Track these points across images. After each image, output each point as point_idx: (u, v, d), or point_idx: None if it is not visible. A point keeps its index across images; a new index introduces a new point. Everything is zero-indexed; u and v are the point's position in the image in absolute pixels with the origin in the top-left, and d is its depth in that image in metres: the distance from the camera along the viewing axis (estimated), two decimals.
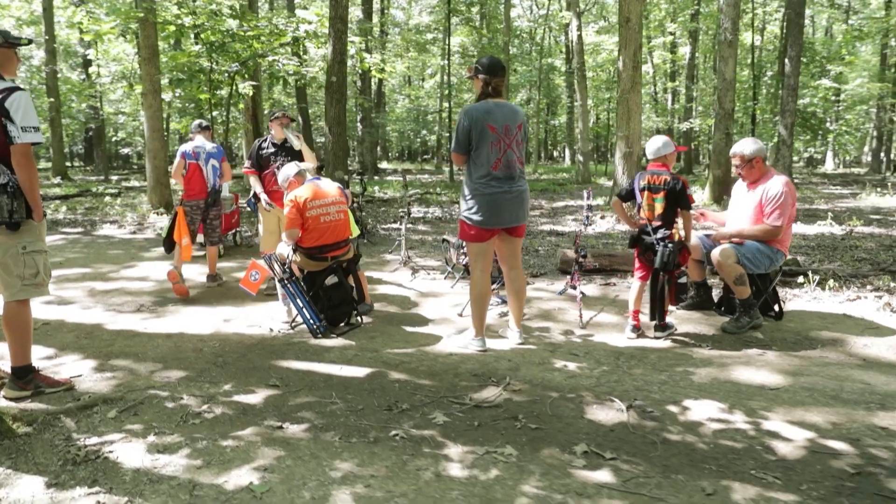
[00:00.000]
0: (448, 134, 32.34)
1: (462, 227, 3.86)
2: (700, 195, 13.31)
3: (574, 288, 5.32)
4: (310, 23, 9.89)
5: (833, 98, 24.98)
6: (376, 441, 2.72)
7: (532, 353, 3.91)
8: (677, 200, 4.11)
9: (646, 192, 4.12)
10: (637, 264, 4.27)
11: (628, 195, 4.25)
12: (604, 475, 2.45)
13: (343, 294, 4.28)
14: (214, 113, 12.30)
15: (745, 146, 4.41)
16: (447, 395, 3.23)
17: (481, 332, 3.94)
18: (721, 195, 12.65)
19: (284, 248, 4.23)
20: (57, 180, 18.27)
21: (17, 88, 2.97)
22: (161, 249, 7.75)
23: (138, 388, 3.27)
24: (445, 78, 27.00)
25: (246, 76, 10.33)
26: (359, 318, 4.46)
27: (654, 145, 4.20)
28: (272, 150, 5.29)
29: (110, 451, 2.56)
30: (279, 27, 10.15)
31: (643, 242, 4.15)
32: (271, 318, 4.63)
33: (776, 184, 4.30)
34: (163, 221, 10.01)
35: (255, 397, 3.18)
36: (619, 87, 12.14)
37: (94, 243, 8.29)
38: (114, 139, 26.49)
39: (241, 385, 3.34)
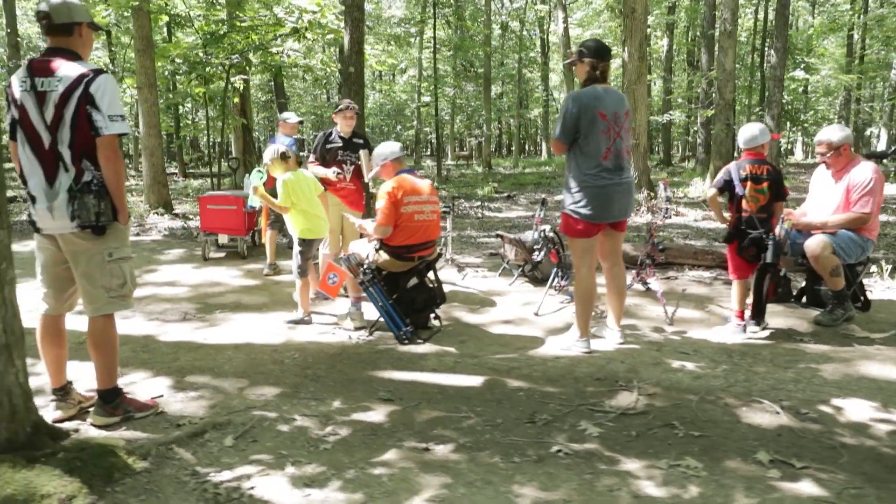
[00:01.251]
0: (427, 129, 32.00)
1: (567, 221, 3.60)
2: (701, 186, 13.40)
3: (644, 283, 5.14)
4: (312, 12, 9.44)
5: (801, 90, 25.67)
6: (541, 459, 2.44)
7: (639, 352, 3.69)
8: (778, 191, 3.94)
9: (748, 183, 3.93)
10: (735, 261, 4.05)
11: (725, 187, 4.05)
12: (809, 487, 2.24)
13: (426, 296, 3.96)
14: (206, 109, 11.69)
15: (831, 133, 4.27)
16: (581, 402, 2.98)
17: (586, 334, 3.70)
18: None
19: (363, 247, 3.89)
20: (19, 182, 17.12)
21: (102, 71, 2.56)
22: (178, 251, 7.28)
23: (237, 408, 2.90)
24: (424, 72, 26.64)
25: (248, 68, 9.79)
26: (438, 321, 4.15)
27: (750, 133, 4.01)
28: (339, 144, 4.88)
29: (251, 488, 2.21)
30: (278, 17, 9.65)
31: (745, 237, 3.93)
32: (337, 323, 4.27)
33: (864, 170, 4.18)
34: (164, 222, 9.41)
35: (375, 414, 2.86)
36: (623, 79, 12.06)
37: None
38: None
39: (350, 400, 3.00)
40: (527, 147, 46.73)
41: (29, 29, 21.11)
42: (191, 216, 9.73)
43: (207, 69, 9.66)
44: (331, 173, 4.77)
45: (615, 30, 28.64)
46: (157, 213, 9.69)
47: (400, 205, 3.74)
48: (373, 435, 2.65)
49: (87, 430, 2.66)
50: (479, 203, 12.48)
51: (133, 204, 11.93)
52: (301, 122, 6.34)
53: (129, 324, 4.32)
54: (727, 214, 4.13)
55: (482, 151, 24.00)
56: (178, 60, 9.89)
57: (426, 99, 31.40)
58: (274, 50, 9.14)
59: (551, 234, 4.78)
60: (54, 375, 2.77)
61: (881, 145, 25.91)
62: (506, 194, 14.17)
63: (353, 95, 7.37)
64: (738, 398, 3.01)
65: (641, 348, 3.77)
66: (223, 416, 2.81)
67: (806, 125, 26.53)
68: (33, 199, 2.58)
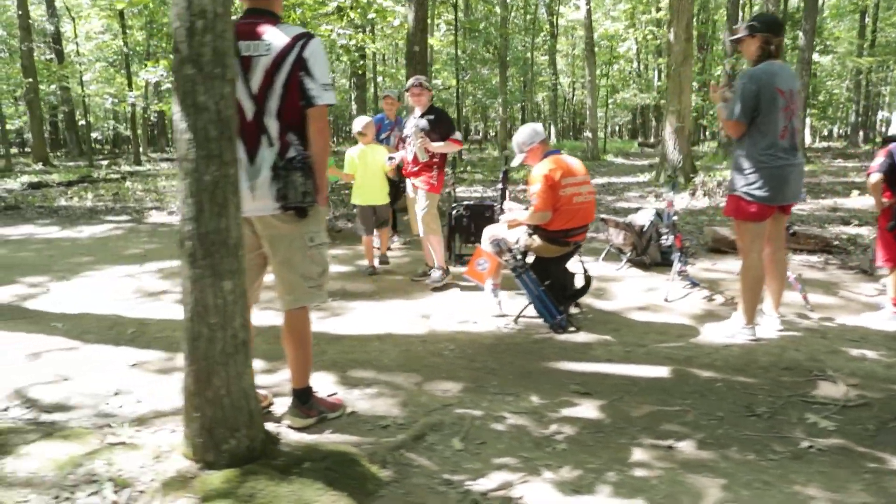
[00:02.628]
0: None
1: (738, 204, 3.41)
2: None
3: None
4: None
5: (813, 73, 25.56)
6: (798, 457, 2.28)
7: (805, 340, 3.53)
8: None
9: None
10: (890, 251, 3.86)
11: (890, 171, 3.86)
12: None
13: (572, 281, 3.78)
14: None
15: None
16: (790, 394, 2.82)
17: (752, 321, 3.54)
18: None
19: (513, 232, 3.69)
20: (39, 167, 16.69)
21: (312, 35, 2.32)
22: (245, 234, 7.00)
23: (432, 406, 2.70)
24: (437, 55, 26.15)
25: None
26: (578, 308, 3.98)
27: None
28: (426, 125, 4.66)
29: (520, 497, 2.02)
30: None
31: None
32: (473, 311, 4.08)
33: None
34: None
35: (584, 410, 2.68)
36: (669, 61, 11.85)
37: (159, 232, 7.40)
38: (80, 123, 24.49)
39: (545, 395, 2.82)
40: None
41: (34, 11, 20.46)
42: None
43: None
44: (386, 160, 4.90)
45: (630, 12, 28.36)
46: None
47: (558, 187, 3.53)
48: (600, 433, 2.48)
49: (287, 433, 2.46)
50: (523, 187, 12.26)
51: (156, 189, 11.63)
52: (398, 98, 6.03)
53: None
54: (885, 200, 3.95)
55: (497, 135, 23.69)
56: None
57: (437, 83, 31.03)
58: (322, 30, 8.79)
59: (675, 219, 4.60)
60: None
61: (892, 129, 26.01)
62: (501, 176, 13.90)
63: (418, 74, 7.12)
64: None
65: (804, 335, 3.61)
66: (422, 414, 2.62)
67: (825, 107, 26.47)
68: None
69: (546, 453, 2.30)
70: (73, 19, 20.36)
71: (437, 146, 4.55)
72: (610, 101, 32.18)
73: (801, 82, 16.32)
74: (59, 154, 22.31)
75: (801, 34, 16.23)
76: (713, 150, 20.53)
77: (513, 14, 25.07)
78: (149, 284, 4.90)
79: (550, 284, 3.64)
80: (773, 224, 3.55)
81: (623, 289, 4.69)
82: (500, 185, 5.14)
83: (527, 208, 3.71)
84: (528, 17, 26.13)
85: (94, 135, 25.86)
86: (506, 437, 2.43)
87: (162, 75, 17.53)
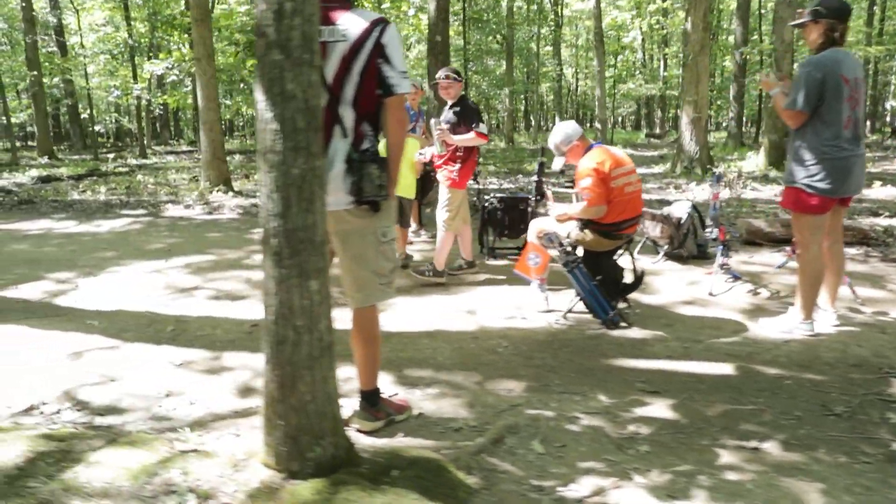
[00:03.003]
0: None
1: (798, 196, 3.31)
2: (754, 160, 13.15)
3: None
4: None
5: None
6: (893, 459, 2.20)
7: (864, 335, 3.43)
8: None
9: None
10: None
11: None
12: None
13: (622, 276, 3.69)
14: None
15: None
16: (865, 392, 2.74)
17: (810, 316, 3.44)
18: (778, 160, 12.47)
19: (563, 226, 3.59)
20: (45, 160, 16.52)
21: (389, 20, 2.21)
22: None
23: (500, 407, 2.60)
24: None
25: None
26: (627, 303, 3.88)
27: None
28: (453, 117, 4.51)
29: None
30: None
31: None
32: (517, 307, 3.98)
33: None
34: (228, 200, 8.96)
35: (657, 409, 2.58)
36: (687, 50, 11.70)
37: (178, 226, 7.29)
38: (83, 116, 24.30)
39: (614, 394, 2.72)
40: (540, 122, 46.30)
41: (36, 3, 20.19)
42: (252, 194, 9.33)
43: None
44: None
45: (636, 2, 28.07)
46: (218, 191, 9.25)
47: (609, 179, 3.43)
48: (679, 433, 2.39)
49: (357, 437, 2.36)
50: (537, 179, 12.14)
51: (172, 181, 11.49)
52: (420, 87, 5.86)
53: None
54: None
55: (503, 126, 23.52)
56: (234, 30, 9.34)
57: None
58: None
59: (717, 211, 4.50)
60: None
61: None
62: (560, 169, 13.78)
63: (440, 64, 7.00)
64: None
65: (862, 330, 3.52)
66: (492, 416, 2.53)
67: None
68: None
69: (630, 456, 2.21)
70: (77, 11, 20.12)
71: (459, 139, 4.41)
72: (615, 91, 31.96)
73: (777, 73, 16.17)
74: (62, 147, 22.10)
75: None
76: (723, 141, 20.40)
77: (518, 4, 24.80)
78: (178, 280, 4.80)
79: (602, 279, 3.54)
80: (832, 216, 3.46)
81: (665, 282, 4.60)
82: (534, 178, 5.04)
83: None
84: (534, 6, 25.85)
85: (96, 128, 25.64)
86: (584, 438, 2.34)
87: (167, 67, 17.41)
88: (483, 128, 4.43)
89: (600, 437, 2.35)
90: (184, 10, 17.42)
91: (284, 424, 1.78)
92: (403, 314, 3.92)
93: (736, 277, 4.56)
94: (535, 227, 3.76)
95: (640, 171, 4.19)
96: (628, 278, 3.82)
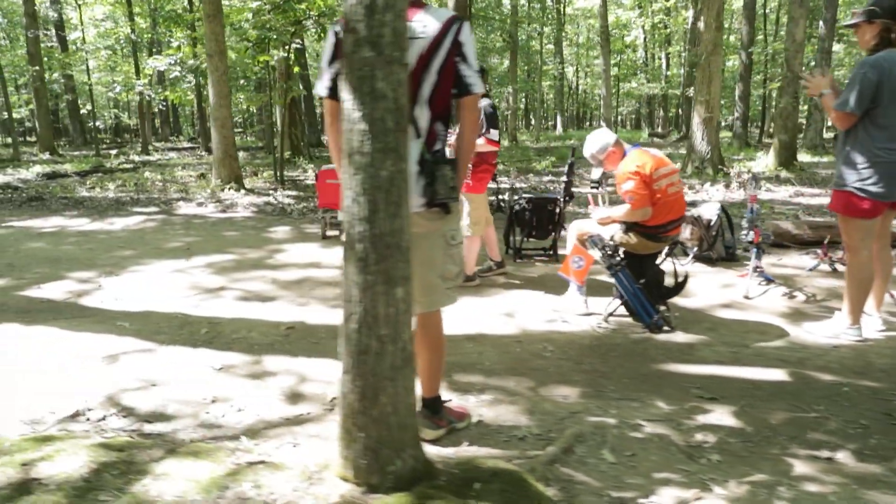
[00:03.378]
0: None
1: (849, 200, 3.25)
2: (764, 160, 13.12)
3: (832, 262, 4.86)
4: None
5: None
6: None
7: None
8: None
9: None
10: None
11: None
12: None
13: (664, 278, 3.63)
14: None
15: None
16: None
17: (858, 322, 3.40)
18: (788, 160, 12.46)
19: (606, 229, 3.53)
20: (46, 156, 16.35)
21: (464, 18, 2.14)
22: (284, 228, 6.84)
23: (558, 413, 2.55)
24: None
25: (321, 34, 9.19)
26: (666, 307, 3.83)
27: None
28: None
29: None
30: None
31: None
32: (554, 309, 3.92)
33: None
34: (240, 198, 8.85)
35: (718, 417, 2.53)
36: (699, 50, 11.64)
37: (193, 224, 7.19)
38: (82, 112, 24.08)
39: (671, 401, 2.67)
40: (542, 121, 46.21)
41: None
42: (264, 192, 9.24)
43: (275, 36, 9.03)
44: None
45: (640, 1, 28.05)
46: (230, 189, 9.14)
47: (652, 181, 3.37)
48: (747, 442, 2.33)
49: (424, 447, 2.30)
50: (548, 178, 12.08)
51: (179, 178, 11.38)
52: None
53: (317, 313, 3.94)
54: None
55: (507, 125, 23.46)
56: (245, 25, 9.22)
57: None
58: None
59: (755, 214, 4.44)
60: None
61: None
62: (598, 179, 13.69)
63: None
64: None
65: None
66: (553, 423, 2.47)
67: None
68: None
69: (702, 466, 2.16)
70: (79, 6, 19.93)
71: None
72: (617, 90, 31.95)
73: (821, 73, 16.20)
74: (62, 143, 21.91)
75: (821, 24, 16.06)
76: (727, 141, 20.39)
77: (521, 1, 24.71)
78: (203, 280, 4.72)
79: (645, 282, 3.49)
80: (883, 220, 3.41)
81: (698, 285, 4.54)
82: (564, 178, 4.98)
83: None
84: (536, 4, 25.79)
85: (97, 123, 25.46)
86: (651, 447, 2.28)
87: (170, 63, 17.24)
88: (494, 134, 4.27)
89: (668, 446, 2.30)
90: (186, 5, 17.29)
91: (365, 437, 1.71)
92: (447, 317, 3.85)
93: (769, 280, 4.51)
94: (576, 230, 3.70)
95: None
96: (667, 282, 3.78)
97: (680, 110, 33.42)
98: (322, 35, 9.56)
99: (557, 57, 32.01)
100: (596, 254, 3.52)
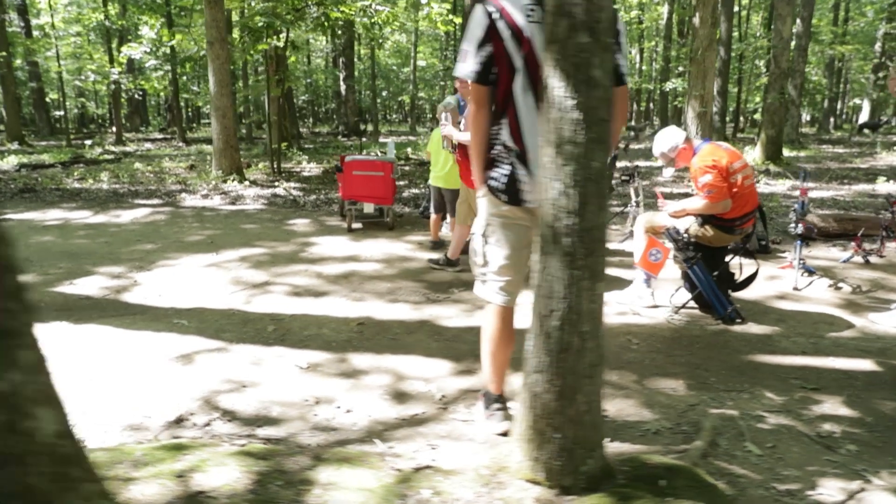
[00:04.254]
0: (421, 94, 30.88)
1: None
2: (751, 154, 13.46)
3: (867, 255, 5.01)
4: None
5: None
6: None
7: None
8: None
9: None
10: None
11: None
12: None
13: (733, 270, 3.67)
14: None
15: None
16: None
17: None
18: (775, 155, 12.81)
19: (680, 222, 3.53)
20: (16, 146, 15.48)
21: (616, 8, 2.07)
22: (302, 221, 6.63)
23: (677, 407, 2.52)
24: (423, 35, 25.59)
25: (326, 24, 8.92)
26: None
27: None
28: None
29: None
30: None
31: None
32: (619, 302, 3.90)
33: None
34: (243, 190, 8.55)
35: (832, 406, 2.54)
36: (693, 45, 11.82)
37: (205, 217, 6.89)
38: (46, 100, 22.91)
39: (777, 392, 2.68)
40: None
41: None
42: (266, 184, 8.96)
43: (279, 23, 8.75)
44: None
45: None
46: (232, 180, 8.82)
47: (729, 174, 3.39)
48: (874, 431, 2.36)
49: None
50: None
51: (169, 169, 10.96)
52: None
53: (377, 307, 3.82)
54: None
55: None
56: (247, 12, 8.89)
57: (422, 63, 30.43)
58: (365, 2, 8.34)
59: (805, 207, 4.53)
60: (501, 380, 2.32)
61: (863, 116, 26.93)
62: (671, 178, 13.72)
63: None
64: None
65: None
66: (675, 416, 2.45)
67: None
68: (524, 162, 2.01)
69: (845, 456, 2.17)
70: None
71: (459, 136, 4.27)
72: None
73: (797, 71, 16.73)
74: (27, 133, 20.83)
75: (798, 22, 16.54)
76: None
77: None
78: (242, 275, 4.54)
79: (720, 275, 3.51)
80: None
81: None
82: (633, 185, 5.04)
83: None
84: None
85: (60, 113, 24.33)
86: (786, 438, 2.29)
87: (145, 52, 16.54)
88: None
89: (800, 437, 2.31)
90: None
91: (561, 437, 1.65)
92: None
93: (811, 272, 4.61)
94: (645, 223, 3.70)
95: (641, 164, 4.17)
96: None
97: (651, 104, 34.07)
98: (324, 23, 9.31)
99: None
100: (670, 246, 3.53)
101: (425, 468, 1.88)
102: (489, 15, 1.97)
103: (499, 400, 2.31)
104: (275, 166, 10.21)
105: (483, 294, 2.23)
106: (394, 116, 42.71)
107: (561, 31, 1.52)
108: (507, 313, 2.23)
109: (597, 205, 1.57)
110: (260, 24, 8.56)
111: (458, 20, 11.80)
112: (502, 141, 2.04)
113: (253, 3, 8.98)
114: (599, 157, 1.55)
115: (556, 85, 1.54)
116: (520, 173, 2.01)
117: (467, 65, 2.03)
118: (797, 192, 4.80)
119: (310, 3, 9.22)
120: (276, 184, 9.11)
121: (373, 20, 9.66)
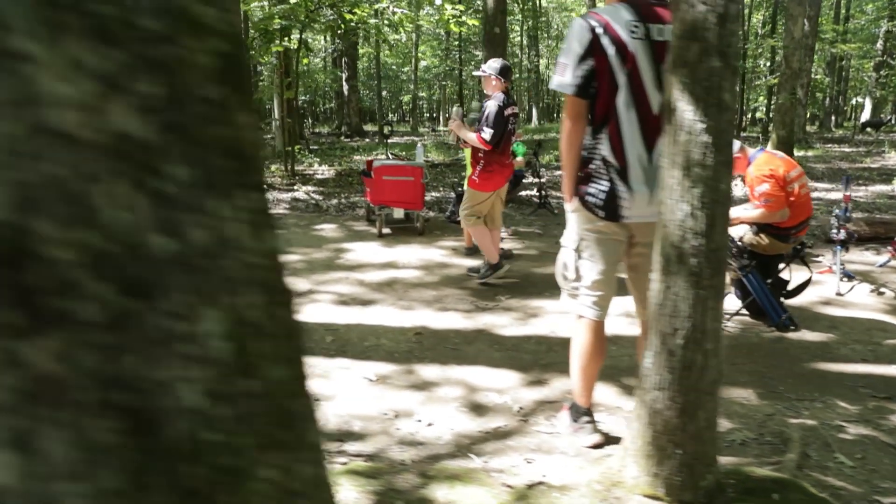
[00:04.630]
0: (422, 94, 30.82)
1: None
2: None
3: None
4: None
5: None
6: None
7: None
8: None
9: None
10: None
11: None
12: None
13: (785, 278, 3.71)
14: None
15: None
16: None
17: None
18: (787, 155, 12.85)
19: (734, 230, 3.57)
20: None
21: None
22: (329, 226, 6.62)
23: (753, 417, 2.55)
24: (425, 34, 25.63)
25: (342, 25, 8.94)
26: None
27: None
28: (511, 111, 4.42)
29: None
30: None
31: None
32: None
33: None
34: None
35: None
36: None
37: None
38: None
39: (849, 400, 2.71)
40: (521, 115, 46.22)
41: None
42: (283, 188, 8.96)
43: (295, 24, 8.75)
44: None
45: None
46: None
47: (786, 183, 3.42)
48: None
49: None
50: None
51: None
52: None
53: (430, 315, 3.84)
54: None
55: None
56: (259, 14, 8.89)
57: (424, 64, 30.42)
58: (383, 5, 8.34)
59: (847, 213, 4.58)
60: (590, 393, 2.35)
61: (865, 114, 27.08)
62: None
63: (496, 55, 6.85)
64: None
65: None
66: (754, 426, 2.48)
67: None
68: (624, 178, 2.04)
69: None
70: None
71: (464, 135, 4.43)
72: None
73: (804, 70, 16.80)
74: None
75: (805, 21, 16.62)
76: None
77: None
78: None
79: (773, 283, 3.55)
80: None
81: None
82: None
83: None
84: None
85: None
86: (872, 449, 2.32)
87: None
88: (487, 133, 4.25)
89: (885, 448, 2.34)
90: None
91: (682, 453, 1.68)
92: (549, 320, 3.82)
93: (850, 277, 4.65)
94: None
95: None
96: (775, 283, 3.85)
97: None
98: (340, 25, 9.33)
99: (533, 50, 32.20)
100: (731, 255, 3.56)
101: (538, 484, 1.90)
102: (592, 30, 1.99)
103: (587, 413, 2.33)
104: (289, 169, 10.21)
105: (575, 308, 2.25)
106: (392, 116, 42.76)
107: (692, 55, 1.54)
108: (598, 327, 2.26)
109: (722, 227, 1.60)
110: (276, 27, 8.56)
111: (473, 22, 11.77)
112: (602, 156, 2.06)
113: (266, 6, 8.97)
114: (726, 180, 1.58)
115: (686, 108, 1.56)
116: (620, 189, 2.03)
117: (565, 78, 2.05)
118: (831, 196, 4.85)
119: (323, 4, 9.22)
120: (295, 188, 9.12)
121: (387, 22, 9.66)
